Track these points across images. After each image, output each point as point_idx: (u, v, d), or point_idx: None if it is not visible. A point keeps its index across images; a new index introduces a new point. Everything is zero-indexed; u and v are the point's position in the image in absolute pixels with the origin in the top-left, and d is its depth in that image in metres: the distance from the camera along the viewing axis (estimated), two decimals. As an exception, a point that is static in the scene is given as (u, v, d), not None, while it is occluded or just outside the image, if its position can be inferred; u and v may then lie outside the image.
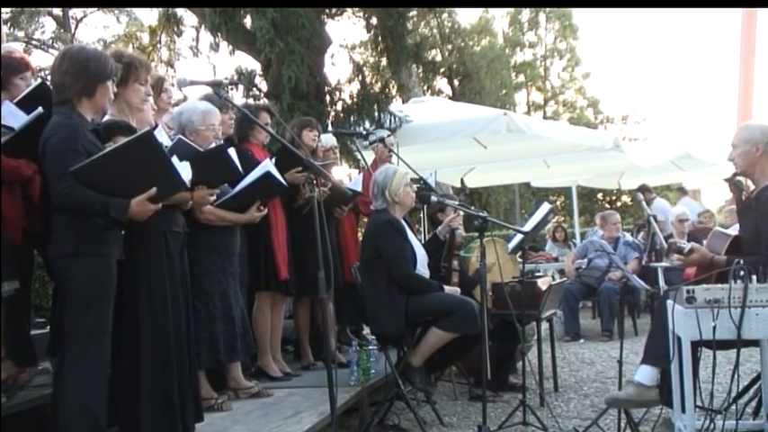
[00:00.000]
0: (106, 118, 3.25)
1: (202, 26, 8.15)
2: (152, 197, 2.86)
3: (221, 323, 3.96)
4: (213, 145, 3.83)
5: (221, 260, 4.03)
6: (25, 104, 3.34)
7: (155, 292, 3.11)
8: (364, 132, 6.10)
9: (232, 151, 3.72)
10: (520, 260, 5.37)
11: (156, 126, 3.48)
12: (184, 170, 3.07)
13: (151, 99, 3.54)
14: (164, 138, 3.40)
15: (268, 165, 4.21)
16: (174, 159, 3.03)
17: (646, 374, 3.72)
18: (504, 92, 27.44)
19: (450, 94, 25.47)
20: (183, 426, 3.14)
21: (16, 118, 3.28)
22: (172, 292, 3.16)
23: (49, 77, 3.27)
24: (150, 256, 3.13)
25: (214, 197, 3.70)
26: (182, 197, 3.24)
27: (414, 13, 9.59)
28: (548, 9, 30.64)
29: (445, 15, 25.25)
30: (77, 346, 2.81)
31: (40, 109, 3.24)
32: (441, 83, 26.75)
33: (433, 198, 4.75)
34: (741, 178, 3.98)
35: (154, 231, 3.12)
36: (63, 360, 2.86)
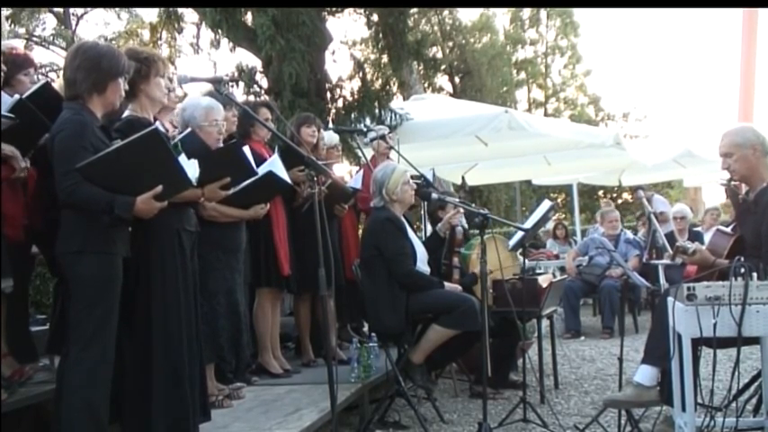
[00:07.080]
0: (126, 113, 3.22)
1: (203, 23, 8.14)
2: (158, 195, 2.85)
3: (225, 319, 3.96)
4: (220, 142, 3.81)
5: (225, 256, 4.03)
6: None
7: (168, 291, 3.09)
8: (365, 129, 6.09)
9: (246, 149, 3.69)
10: (520, 257, 5.36)
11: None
12: (191, 168, 3.05)
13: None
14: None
15: (275, 162, 4.19)
16: (182, 157, 3.01)
17: (645, 375, 3.71)
18: (505, 89, 27.40)
19: (451, 91, 25.44)
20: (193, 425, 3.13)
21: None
22: (184, 291, 3.15)
23: (49, 75, 3.28)
24: (164, 255, 3.11)
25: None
26: (193, 194, 3.22)
27: (415, 10, 9.56)
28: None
29: (446, 12, 25.21)
30: (81, 343, 2.81)
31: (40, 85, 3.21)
32: (442, 80, 26.72)
33: (434, 195, 4.75)
34: (735, 183, 3.89)
35: (168, 230, 3.11)
36: (67, 357, 2.86)
